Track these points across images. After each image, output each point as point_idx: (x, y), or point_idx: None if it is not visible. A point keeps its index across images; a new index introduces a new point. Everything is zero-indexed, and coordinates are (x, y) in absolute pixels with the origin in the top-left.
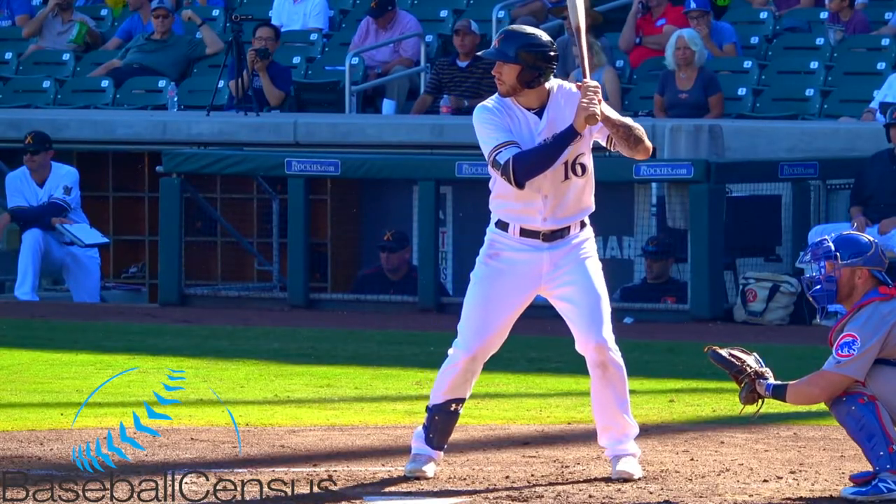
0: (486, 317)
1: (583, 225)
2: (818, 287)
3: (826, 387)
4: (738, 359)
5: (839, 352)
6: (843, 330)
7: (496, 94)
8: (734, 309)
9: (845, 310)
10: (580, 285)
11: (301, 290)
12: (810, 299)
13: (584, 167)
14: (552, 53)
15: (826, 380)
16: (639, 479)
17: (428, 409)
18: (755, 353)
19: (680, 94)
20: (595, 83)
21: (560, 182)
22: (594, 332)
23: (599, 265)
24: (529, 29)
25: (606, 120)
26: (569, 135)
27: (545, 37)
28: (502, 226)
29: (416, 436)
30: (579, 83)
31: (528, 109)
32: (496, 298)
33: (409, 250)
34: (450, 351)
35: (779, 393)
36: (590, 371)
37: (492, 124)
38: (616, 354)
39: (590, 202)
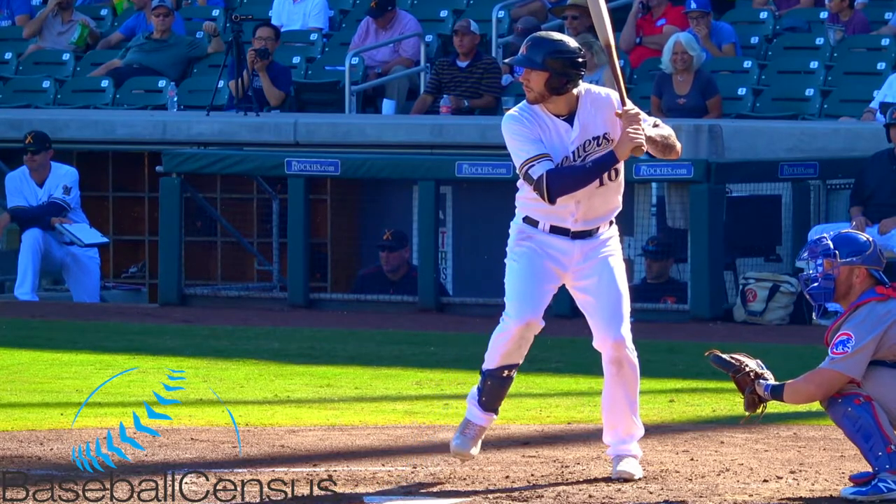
0: (531, 285)
1: (610, 223)
2: (815, 285)
3: (821, 384)
4: (739, 360)
5: (834, 350)
6: (840, 329)
7: (524, 102)
8: (734, 309)
9: (843, 309)
10: (603, 281)
11: (301, 290)
12: (807, 297)
13: (618, 171)
14: (580, 60)
15: (821, 377)
16: (639, 479)
17: (482, 372)
18: (758, 360)
19: (678, 100)
20: (637, 110)
21: (595, 188)
22: (613, 329)
23: (623, 264)
24: (557, 35)
25: (649, 140)
26: (609, 162)
27: (573, 43)
28: (531, 222)
29: (469, 397)
30: (618, 112)
31: (558, 116)
32: (537, 270)
33: (408, 250)
34: (501, 320)
35: (777, 393)
36: (604, 368)
37: (521, 136)
38: (633, 353)
39: (618, 202)
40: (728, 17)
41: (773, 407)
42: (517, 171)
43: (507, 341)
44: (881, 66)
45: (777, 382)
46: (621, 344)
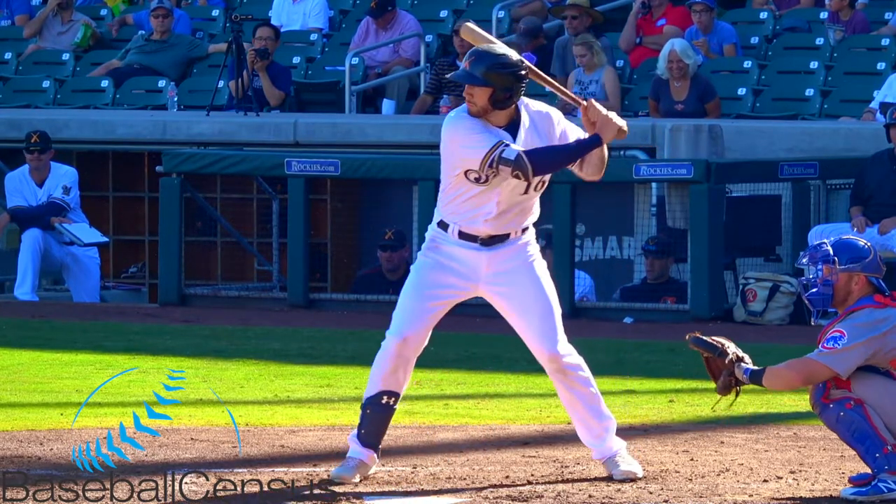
0: (415, 301)
1: (525, 229)
2: (814, 290)
3: (803, 371)
4: (721, 343)
5: (825, 344)
6: (834, 328)
7: (463, 111)
8: (734, 309)
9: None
10: (526, 292)
11: (301, 290)
12: (806, 302)
13: (545, 184)
14: (522, 73)
15: (805, 365)
16: (642, 476)
17: (362, 404)
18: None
19: (676, 105)
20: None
21: (519, 195)
22: (546, 345)
23: (545, 265)
24: (500, 49)
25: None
26: (594, 144)
27: (515, 56)
28: (443, 226)
29: (350, 436)
30: (584, 104)
31: (498, 127)
32: (430, 286)
33: (407, 249)
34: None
35: (756, 377)
36: (550, 377)
37: (477, 129)
38: (571, 358)
39: (536, 210)
40: (728, 17)
41: (774, 407)
42: (480, 163)
43: (385, 360)
44: (881, 66)
45: (757, 367)
46: (556, 357)
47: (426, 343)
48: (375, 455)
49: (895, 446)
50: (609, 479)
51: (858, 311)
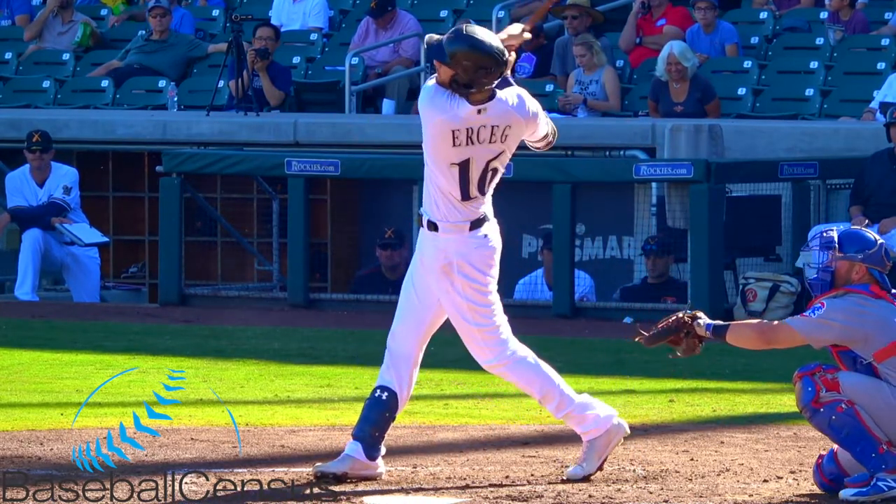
0: (404, 299)
1: (428, 224)
2: (815, 276)
3: (766, 331)
4: (668, 320)
5: (803, 312)
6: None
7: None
8: (734, 309)
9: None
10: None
11: (301, 290)
12: (807, 286)
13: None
14: (493, 69)
15: (772, 328)
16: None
17: None
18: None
19: (675, 107)
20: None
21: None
22: (476, 356)
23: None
24: (482, 34)
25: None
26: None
27: (496, 46)
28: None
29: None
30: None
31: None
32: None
33: (407, 248)
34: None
35: (719, 332)
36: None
37: (441, 93)
38: (505, 359)
39: (427, 193)
40: (728, 17)
41: (773, 407)
42: (546, 130)
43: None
44: (881, 66)
45: (718, 322)
46: (490, 367)
47: (419, 340)
48: (361, 447)
49: (888, 444)
50: (609, 479)
51: (850, 293)
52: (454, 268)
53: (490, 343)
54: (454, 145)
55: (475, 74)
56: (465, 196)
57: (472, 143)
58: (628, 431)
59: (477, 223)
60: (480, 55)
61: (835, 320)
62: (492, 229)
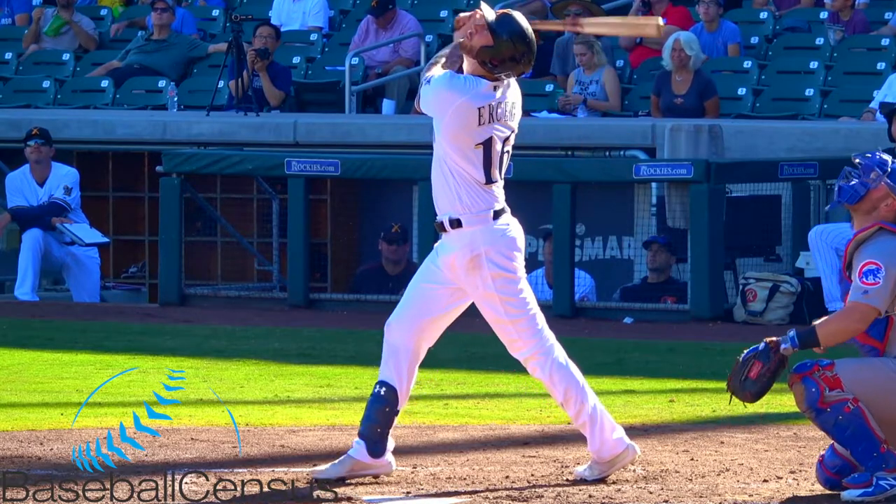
0: (409, 292)
1: (447, 221)
2: (848, 185)
3: (860, 319)
4: (760, 365)
5: (864, 280)
6: (861, 254)
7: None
8: (734, 309)
9: (853, 230)
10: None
11: (301, 290)
12: (836, 189)
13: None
14: (521, 58)
15: (860, 311)
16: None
17: None
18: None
19: (675, 99)
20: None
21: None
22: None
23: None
24: (525, 24)
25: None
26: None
27: (528, 44)
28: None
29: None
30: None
31: None
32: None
33: (409, 244)
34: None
35: (808, 340)
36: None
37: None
38: (531, 360)
39: (446, 197)
40: (728, 17)
41: (773, 407)
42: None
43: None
44: (881, 66)
45: (801, 329)
46: (525, 359)
47: (418, 335)
48: (364, 446)
49: (887, 441)
50: (610, 479)
51: (878, 237)
52: (482, 259)
53: (524, 335)
54: (480, 124)
55: (511, 62)
56: (489, 179)
57: (493, 119)
58: (639, 454)
59: (499, 212)
60: (525, 46)
61: (893, 271)
62: (513, 220)
